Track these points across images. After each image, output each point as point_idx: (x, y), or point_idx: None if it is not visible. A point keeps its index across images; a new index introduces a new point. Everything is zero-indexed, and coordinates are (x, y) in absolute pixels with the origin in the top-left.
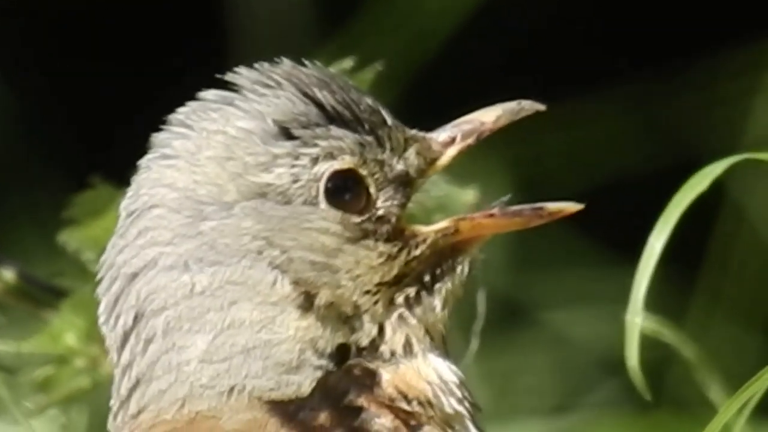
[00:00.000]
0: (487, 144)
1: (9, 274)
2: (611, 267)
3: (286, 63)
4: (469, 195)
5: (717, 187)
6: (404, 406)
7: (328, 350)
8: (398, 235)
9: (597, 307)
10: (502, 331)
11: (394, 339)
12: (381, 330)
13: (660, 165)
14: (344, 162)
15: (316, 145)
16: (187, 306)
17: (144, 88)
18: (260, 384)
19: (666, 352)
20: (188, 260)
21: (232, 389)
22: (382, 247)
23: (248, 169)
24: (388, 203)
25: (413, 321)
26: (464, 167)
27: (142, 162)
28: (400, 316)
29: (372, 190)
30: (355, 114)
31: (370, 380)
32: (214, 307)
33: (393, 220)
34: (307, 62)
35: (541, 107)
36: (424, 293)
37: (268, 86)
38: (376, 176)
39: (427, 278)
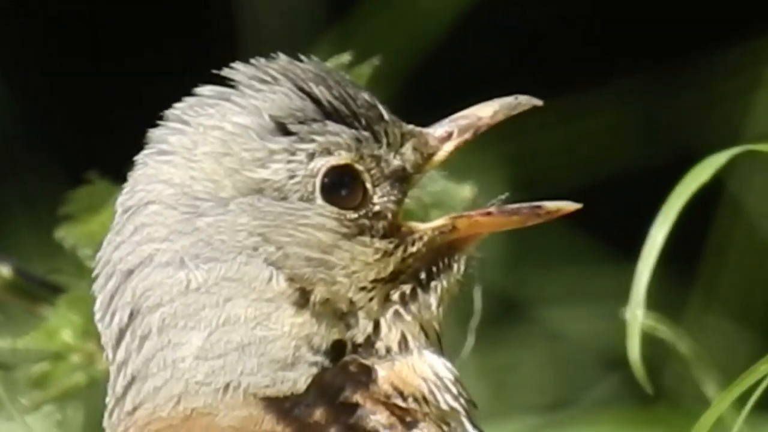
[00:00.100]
0: (485, 140)
1: (5, 270)
2: (608, 264)
3: (283, 58)
4: (466, 191)
5: (715, 184)
6: (400, 402)
7: (324, 347)
8: (395, 231)
9: (594, 303)
10: (498, 328)
11: (389, 336)
12: (376, 327)
13: (658, 162)
14: (341, 158)
15: (312, 141)
16: (182, 303)
17: (142, 85)
18: (255, 381)
19: (662, 349)
20: (184, 257)
21: (227, 386)
22: (378, 243)
23: (245, 165)
24: (385, 199)
25: (408, 318)
26: (461, 163)
27: (139, 158)
28: (396, 313)
29: (368, 185)
30: (352, 109)
31: (365, 377)
32: (210, 303)
33: (389, 216)
34: (303, 58)
35: (539, 102)
36: (419, 290)
37: (264, 82)
38: (372, 172)
39: (423, 275)
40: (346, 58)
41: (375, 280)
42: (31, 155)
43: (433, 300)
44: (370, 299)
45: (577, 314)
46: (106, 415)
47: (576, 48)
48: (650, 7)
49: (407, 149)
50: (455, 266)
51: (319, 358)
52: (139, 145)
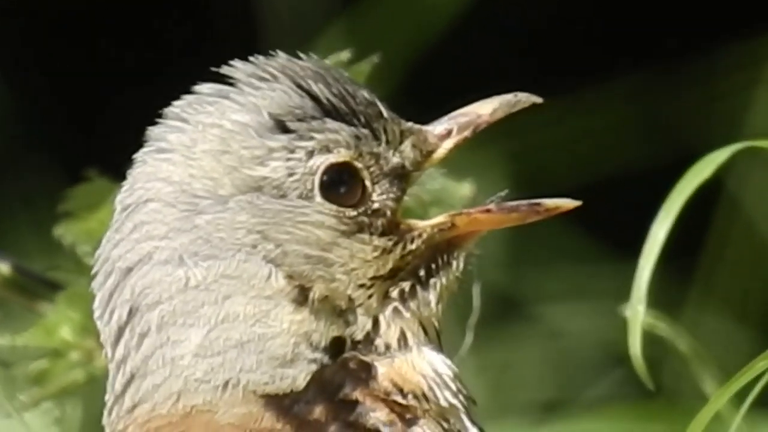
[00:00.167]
0: (484, 137)
1: (4, 267)
2: (607, 262)
3: (282, 56)
4: (465, 188)
5: (714, 182)
6: (399, 399)
7: (323, 344)
8: (394, 228)
9: (593, 301)
10: (497, 325)
11: (388, 332)
12: (375, 324)
13: (658, 160)
14: (340, 155)
15: (311, 138)
16: (181, 300)
17: (141, 84)
18: (255, 378)
19: (661, 346)
20: (183, 254)
21: (226, 383)
22: (377, 240)
23: (243, 163)
24: (384, 196)
25: (408, 315)
26: (461, 160)
27: (138, 155)
28: (395, 310)
29: (367, 183)
30: (351, 107)
31: (365, 374)
32: (209, 301)
33: (388, 213)
34: (302, 55)
35: (538, 100)
36: (418, 287)
37: (263, 79)
38: (371, 169)
39: (422, 273)
40: (345, 55)
41: (374, 278)
42: (30, 153)
43: (432, 297)
44: (369, 296)
45: (576, 312)
46: (105, 412)
47: (576, 45)
48: (650, 6)
49: (406, 147)
50: (454, 263)
51: (318, 355)
52: (138, 142)
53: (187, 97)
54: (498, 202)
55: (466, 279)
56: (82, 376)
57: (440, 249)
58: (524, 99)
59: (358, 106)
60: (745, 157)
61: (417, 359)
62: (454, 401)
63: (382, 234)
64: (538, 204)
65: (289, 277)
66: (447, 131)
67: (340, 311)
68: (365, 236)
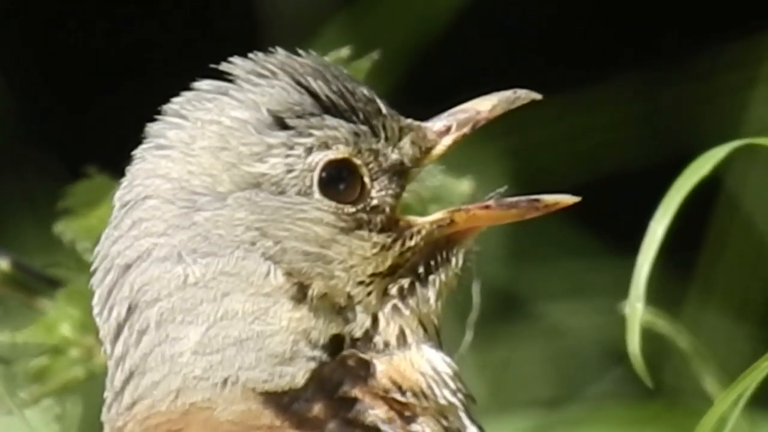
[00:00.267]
0: (484, 134)
1: (4, 264)
2: (608, 259)
3: (281, 53)
4: (464, 185)
5: (713, 179)
6: (398, 397)
7: (322, 341)
8: (392, 225)
9: (593, 298)
10: (497, 323)
11: (387, 330)
12: (375, 321)
13: (657, 158)
14: (339, 152)
15: (310, 135)
16: (180, 297)
17: (141, 81)
18: (254, 375)
19: (662, 344)
20: (182, 251)
21: (225, 381)
22: (376, 237)
23: (242, 159)
24: (383, 193)
25: (407, 312)
26: (460, 157)
27: (137, 152)
28: (394, 307)
29: (366, 179)
30: (350, 103)
31: (364, 371)
32: (208, 298)
33: (387, 210)
34: (301, 52)
35: (538, 96)
36: (418, 284)
37: (262, 76)
38: (370, 166)
39: (421, 269)
40: (344, 52)
41: (373, 275)
42: (30, 150)
43: (431, 294)
44: (369, 293)
45: (577, 309)
46: (104, 409)
47: (576, 43)
48: (649, 4)
49: (405, 143)
50: (453, 260)
51: (317, 353)
52: (137, 139)
53: (186, 94)
54: (497, 198)
55: (465, 276)
56: (82, 373)
57: (439, 245)
58: (523, 96)
59: (357, 103)
60: (744, 155)
61: (416, 357)
62: (453, 399)
63: (381, 231)
64: (538, 200)
65: (288, 274)
66: (446, 128)
67: (339, 308)
68: (364, 233)
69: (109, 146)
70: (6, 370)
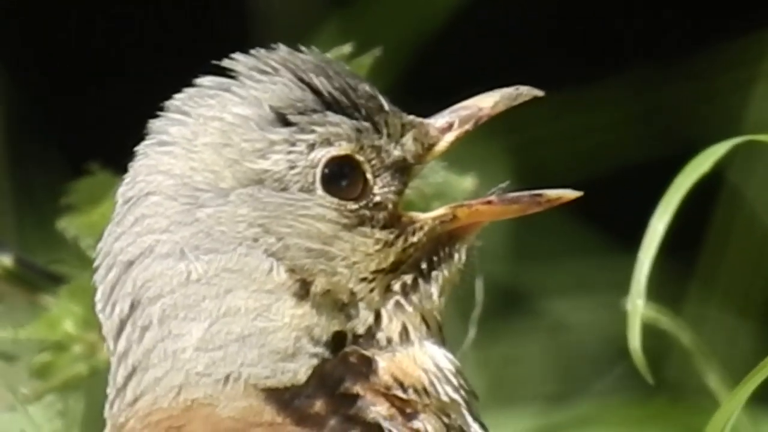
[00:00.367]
0: (486, 131)
1: (7, 260)
2: (610, 255)
3: (283, 49)
4: (467, 182)
5: (715, 175)
6: (400, 393)
7: (324, 338)
8: (395, 221)
9: (596, 295)
10: (500, 319)
11: (390, 326)
12: (377, 317)
13: (659, 154)
14: (341, 148)
15: (312, 132)
16: (182, 294)
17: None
18: (256, 372)
19: (664, 340)
20: (184, 248)
21: (227, 377)
22: (379, 233)
23: (245, 156)
24: (385, 189)
25: (410, 308)
26: (462, 154)
27: (139, 148)
28: (397, 304)
29: (369, 176)
30: (352, 100)
31: (366, 368)
32: (210, 294)
33: (390, 206)
34: (303, 48)
35: (540, 93)
36: (420, 280)
37: (264, 72)
38: (373, 162)
39: (423, 265)
40: (346, 48)
41: (376, 271)
42: (32, 147)
43: (434, 290)
44: (371, 290)
45: (579, 305)
46: (107, 405)
47: (577, 38)
48: (650, 2)
49: (408, 140)
50: (456, 255)
51: (319, 350)
52: (139, 136)
53: (188, 91)
54: (499, 193)
55: (468, 272)
56: (85, 369)
57: (442, 241)
58: (526, 92)
59: (360, 99)
60: (745, 151)
61: (418, 353)
62: (455, 396)
63: (384, 227)
64: (540, 195)
65: (291, 270)
66: (448, 124)
67: (341, 305)
68: (367, 229)
69: (111, 143)
70: (9, 366)
